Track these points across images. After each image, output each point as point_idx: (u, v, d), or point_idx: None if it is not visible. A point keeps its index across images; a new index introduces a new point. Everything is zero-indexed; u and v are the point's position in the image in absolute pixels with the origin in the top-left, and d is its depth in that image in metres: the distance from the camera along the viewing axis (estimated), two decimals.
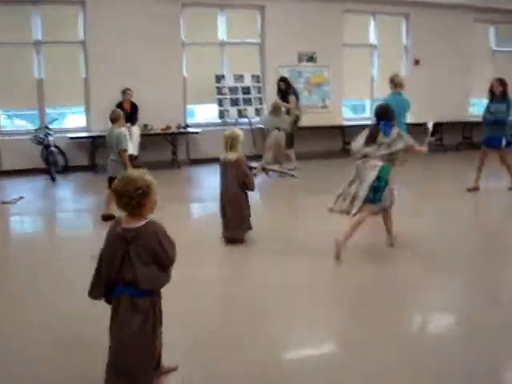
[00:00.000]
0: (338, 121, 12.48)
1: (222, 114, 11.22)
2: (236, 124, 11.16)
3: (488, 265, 5.20)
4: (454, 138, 14.03)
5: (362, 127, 5.68)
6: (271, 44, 11.90)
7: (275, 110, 10.10)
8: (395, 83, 7.79)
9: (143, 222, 2.76)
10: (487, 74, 14.77)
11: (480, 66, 14.54)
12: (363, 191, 5.07)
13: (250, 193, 5.83)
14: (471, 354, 3.38)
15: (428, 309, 4.24)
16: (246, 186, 5.68)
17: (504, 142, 8.23)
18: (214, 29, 11.70)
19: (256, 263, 5.37)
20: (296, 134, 10.72)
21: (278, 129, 9.94)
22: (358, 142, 5.36)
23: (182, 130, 11.16)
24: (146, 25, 10.78)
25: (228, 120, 11.40)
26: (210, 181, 10.17)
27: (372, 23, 13.12)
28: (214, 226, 5.97)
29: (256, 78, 11.66)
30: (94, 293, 2.87)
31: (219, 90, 11.22)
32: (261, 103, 11.63)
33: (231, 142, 5.62)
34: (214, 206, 7.69)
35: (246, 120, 11.51)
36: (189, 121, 11.73)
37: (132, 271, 2.72)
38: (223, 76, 11.41)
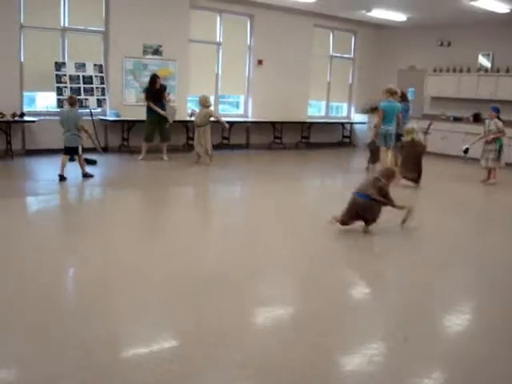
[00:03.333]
0: (182, 116, 12.44)
1: (60, 103, 10.71)
2: None
3: None
4: (293, 138, 14.68)
5: None
6: (116, 33, 11.57)
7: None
8: (391, 93, 9.85)
9: None
10: (325, 78, 15.70)
11: (319, 70, 15.36)
12: None
13: None
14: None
15: None
16: None
17: None
18: (56, 13, 11.10)
19: None
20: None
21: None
22: None
23: (16, 118, 10.47)
24: None
25: None
26: (45, 173, 9.66)
27: (218, 20, 13.27)
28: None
29: (99, 68, 11.30)
30: None
31: (59, 78, 10.72)
32: (103, 94, 11.29)
33: None
34: (51, 199, 7.42)
35: (87, 111, 11.09)
36: (28, 109, 11.06)
37: None
38: (64, 63, 10.91)
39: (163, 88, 11.14)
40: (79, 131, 8.77)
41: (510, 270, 5.46)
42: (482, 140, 10.30)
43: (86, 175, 8.89)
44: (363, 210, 6.17)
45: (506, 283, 5.04)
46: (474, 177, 10.51)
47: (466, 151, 10.72)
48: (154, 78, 10.94)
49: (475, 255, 5.96)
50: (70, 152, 8.81)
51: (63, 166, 8.67)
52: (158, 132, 11.08)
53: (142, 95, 11.19)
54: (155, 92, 10.89)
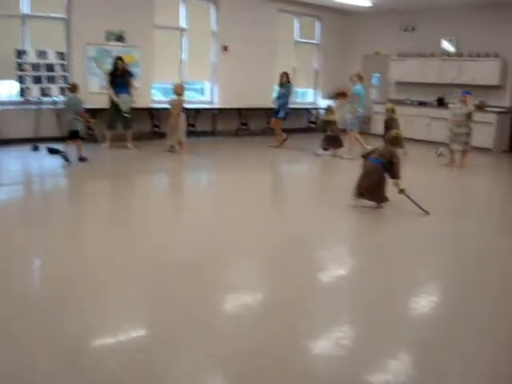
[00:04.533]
0: (146, 103, 12.28)
1: (23, 92, 10.46)
2: (40, 103, 10.52)
3: None
4: (259, 124, 14.63)
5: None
6: (78, 20, 11.33)
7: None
8: (360, 77, 11.04)
9: None
10: (290, 63, 15.66)
11: (284, 55, 15.32)
12: None
13: None
14: None
15: None
16: None
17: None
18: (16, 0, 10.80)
19: None
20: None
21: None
22: None
23: None
24: None
25: (30, 98, 10.67)
26: (7, 164, 9.46)
27: (181, 6, 13.10)
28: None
29: (61, 55, 11.05)
30: None
31: (20, 66, 10.45)
32: (66, 82, 11.05)
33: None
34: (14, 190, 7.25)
35: (49, 99, 10.85)
36: None
37: None
38: (25, 51, 10.64)
39: (128, 73, 10.98)
40: (79, 116, 9.30)
41: (479, 256, 5.56)
42: (453, 124, 10.44)
43: (82, 159, 9.25)
44: (373, 174, 6.64)
45: (474, 266, 5.13)
46: (440, 161, 10.67)
47: (440, 154, 10.97)
48: (115, 61, 10.84)
49: (450, 240, 6.03)
50: (73, 136, 9.26)
51: (79, 149, 9.26)
52: (119, 120, 10.97)
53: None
54: (117, 76, 10.76)
